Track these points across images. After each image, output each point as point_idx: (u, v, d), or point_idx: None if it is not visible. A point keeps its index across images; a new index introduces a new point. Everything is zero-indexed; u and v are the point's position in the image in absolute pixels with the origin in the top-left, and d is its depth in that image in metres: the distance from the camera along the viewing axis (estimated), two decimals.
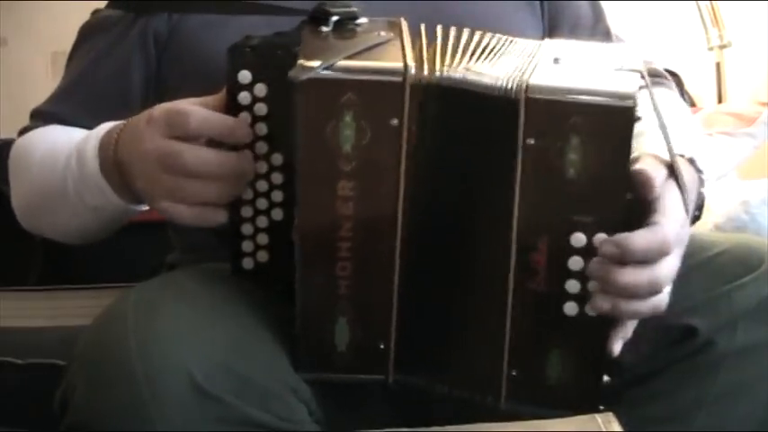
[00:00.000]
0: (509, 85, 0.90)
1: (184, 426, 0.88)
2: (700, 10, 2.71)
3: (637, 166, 0.90)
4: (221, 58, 0.99)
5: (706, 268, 1.02)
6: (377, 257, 0.94)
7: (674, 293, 0.94)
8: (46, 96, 1.29)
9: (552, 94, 0.89)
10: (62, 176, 1.10)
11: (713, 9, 2.71)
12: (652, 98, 0.92)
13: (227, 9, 1.12)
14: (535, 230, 0.91)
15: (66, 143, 1.12)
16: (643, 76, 0.91)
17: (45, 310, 1.75)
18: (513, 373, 0.94)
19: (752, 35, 2.71)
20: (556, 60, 0.94)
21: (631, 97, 0.88)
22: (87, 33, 1.28)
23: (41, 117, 1.25)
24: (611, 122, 0.88)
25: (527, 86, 0.89)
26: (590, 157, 0.89)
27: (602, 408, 0.91)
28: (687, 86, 2.69)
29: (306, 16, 0.98)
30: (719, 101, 2.73)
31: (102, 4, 1.30)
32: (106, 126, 1.07)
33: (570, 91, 0.89)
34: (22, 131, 1.24)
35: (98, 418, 0.89)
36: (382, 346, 0.96)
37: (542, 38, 1.22)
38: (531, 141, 0.89)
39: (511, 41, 1.01)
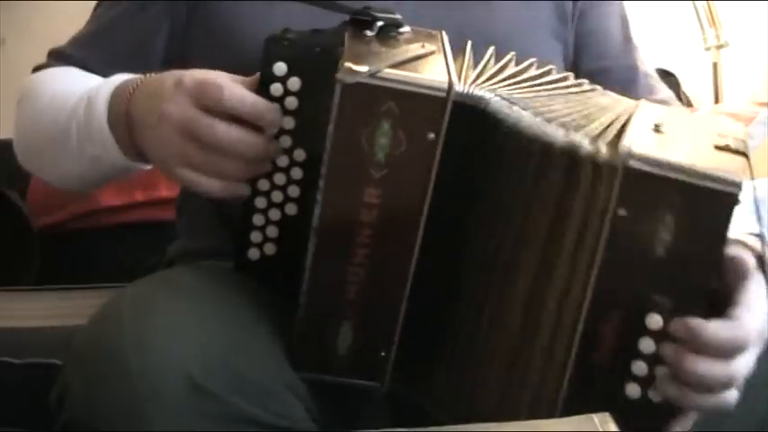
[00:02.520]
0: (602, 149, 0.87)
1: (180, 422, 0.88)
2: (696, 10, 2.71)
3: (729, 253, 0.87)
4: (246, 44, 0.99)
5: None
6: (391, 267, 0.94)
7: None
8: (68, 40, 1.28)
9: (654, 167, 0.85)
10: (67, 120, 1.10)
11: (710, 9, 2.71)
12: (753, 183, 0.88)
13: None
14: (610, 303, 0.88)
15: (80, 88, 1.11)
16: (747, 157, 0.88)
17: (44, 310, 1.75)
18: None
19: (749, 35, 2.71)
20: (657, 128, 0.90)
21: (735, 184, 0.84)
22: None
23: (60, 57, 1.24)
24: (712, 207, 0.84)
25: (629, 153, 0.85)
26: (682, 239, 0.85)
27: None
28: (684, 87, 2.69)
29: (347, 15, 0.98)
30: (716, 101, 2.73)
31: None
32: (121, 78, 1.07)
33: (673, 167, 0.85)
34: (37, 68, 1.23)
35: (94, 415, 0.89)
36: (383, 354, 0.96)
37: (564, 64, 1.20)
38: (623, 213, 0.86)
39: (587, 87, 0.99)
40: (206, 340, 0.91)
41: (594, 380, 0.90)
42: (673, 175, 0.84)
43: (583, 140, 0.88)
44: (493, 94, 0.93)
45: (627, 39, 1.30)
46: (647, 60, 1.31)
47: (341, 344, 0.96)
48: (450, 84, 0.91)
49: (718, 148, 0.88)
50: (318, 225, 0.93)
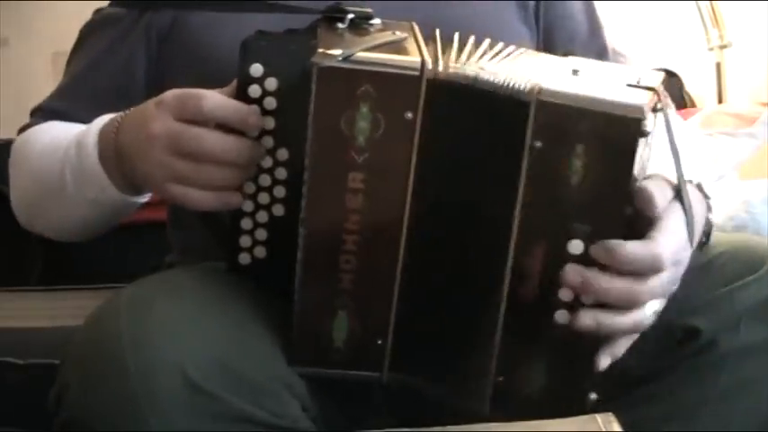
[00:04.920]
0: (521, 86, 0.90)
1: (177, 422, 0.88)
2: (700, 10, 2.72)
3: (642, 184, 0.90)
4: (222, 57, 0.98)
5: (708, 269, 1.02)
6: (382, 252, 0.94)
7: (675, 294, 0.94)
8: (46, 96, 1.29)
9: (563, 100, 0.89)
10: (60, 168, 1.10)
11: (713, 9, 2.72)
12: (667, 120, 0.92)
13: (235, 7, 1.12)
14: (534, 235, 0.91)
15: (66, 136, 1.11)
16: (659, 97, 0.91)
17: (45, 310, 1.75)
18: (500, 379, 0.94)
19: (752, 35, 2.72)
20: (575, 72, 0.95)
21: (639, 110, 0.88)
22: (90, 31, 1.27)
23: (42, 113, 1.24)
24: (618, 133, 0.88)
25: (540, 89, 0.90)
26: (594, 166, 0.89)
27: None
28: (687, 87, 2.70)
29: (317, 16, 0.99)
30: (720, 101, 2.74)
31: (103, 4, 1.30)
32: (107, 117, 1.07)
33: (581, 98, 0.89)
34: (23, 129, 1.24)
35: (91, 415, 0.89)
36: (380, 342, 0.96)
37: (536, 49, 1.22)
38: (538, 144, 0.90)
39: (533, 53, 1.03)
40: (203, 339, 0.91)
41: (526, 313, 0.93)
42: (580, 105, 0.89)
43: (514, 86, 0.91)
44: (461, 69, 0.94)
45: (592, 19, 1.32)
46: (613, 38, 1.33)
47: (337, 335, 0.96)
48: (423, 62, 0.92)
49: (630, 85, 0.93)
50: (306, 216, 0.94)
